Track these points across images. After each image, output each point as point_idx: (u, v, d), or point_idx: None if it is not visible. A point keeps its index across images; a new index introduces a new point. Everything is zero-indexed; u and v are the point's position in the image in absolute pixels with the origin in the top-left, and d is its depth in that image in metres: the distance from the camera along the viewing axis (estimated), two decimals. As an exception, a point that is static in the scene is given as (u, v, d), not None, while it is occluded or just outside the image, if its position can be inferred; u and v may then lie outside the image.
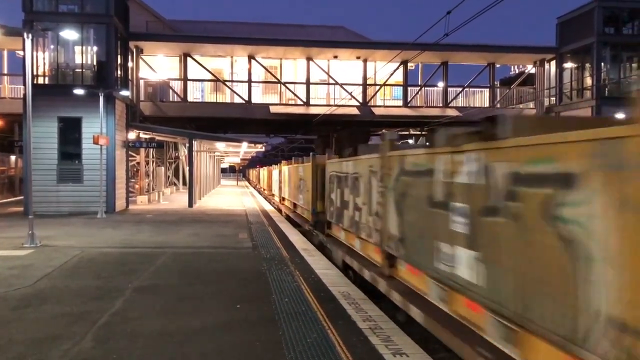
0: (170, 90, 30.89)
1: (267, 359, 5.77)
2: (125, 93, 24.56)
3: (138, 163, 34.24)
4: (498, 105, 33.00)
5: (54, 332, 6.56)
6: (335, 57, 31.69)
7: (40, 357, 5.73)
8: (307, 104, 31.31)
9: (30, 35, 14.35)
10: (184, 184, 41.49)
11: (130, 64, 27.89)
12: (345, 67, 32.74)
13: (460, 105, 32.42)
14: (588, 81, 29.80)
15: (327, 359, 5.73)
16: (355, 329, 6.77)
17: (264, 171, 46.24)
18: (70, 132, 23.01)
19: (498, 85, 36.15)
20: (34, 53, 21.35)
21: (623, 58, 30.00)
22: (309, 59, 31.38)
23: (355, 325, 6.89)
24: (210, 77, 31.56)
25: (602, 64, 29.23)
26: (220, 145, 36.68)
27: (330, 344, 6.19)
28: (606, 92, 29.03)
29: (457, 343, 5.12)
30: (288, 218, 21.90)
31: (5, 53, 30.91)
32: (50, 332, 6.59)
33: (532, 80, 34.43)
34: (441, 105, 32.26)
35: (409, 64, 32.44)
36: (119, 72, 24.77)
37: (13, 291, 8.71)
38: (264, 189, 44.03)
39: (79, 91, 21.93)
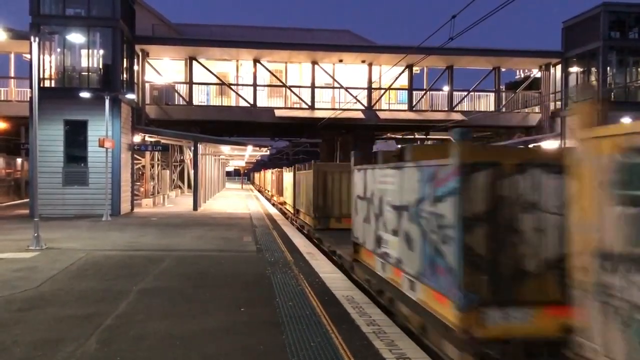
0: (176, 94, 30.99)
1: (271, 363, 5.76)
2: (130, 96, 24.65)
3: (143, 166, 34.31)
4: (503, 110, 32.97)
5: (58, 334, 6.58)
6: (341, 61, 31.71)
7: (44, 359, 5.75)
8: (312, 107, 31.33)
9: (37, 39, 14.43)
10: (189, 187, 41.56)
11: (136, 67, 28.01)
12: (351, 70, 32.77)
13: (465, 109, 32.36)
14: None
15: (331, 363, 5.72)
16: (359, 333, 6.75)
17: (289, 175, 24.56)
18: (76, 135, 23.12)
19: (503, 90, 36.11)
20: (41, 56, 21.45)
21: (629, 62, 29.90)
22: (314, 62, 31.41)
23: (359, 330, 6.87)
24: (215, 80, 31.65)
25: (608, 68, 29.15)
26: (225, 149, 36.74)
27: (334, 348, 6.18)
28: (612, 96, 28.91)
29: None
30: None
31: (12, 56, 31.07)
32: (55, 334, 6.61)
33: (537, 85, 34.34)
34: (446, 109, 32.22)
35: (414, 68, 32.42)
36: (124, 75, 24.86)
37: (18, 293, 8.74)
38: (295, 214, 21.79)
39: (85, 94, 22.04)
